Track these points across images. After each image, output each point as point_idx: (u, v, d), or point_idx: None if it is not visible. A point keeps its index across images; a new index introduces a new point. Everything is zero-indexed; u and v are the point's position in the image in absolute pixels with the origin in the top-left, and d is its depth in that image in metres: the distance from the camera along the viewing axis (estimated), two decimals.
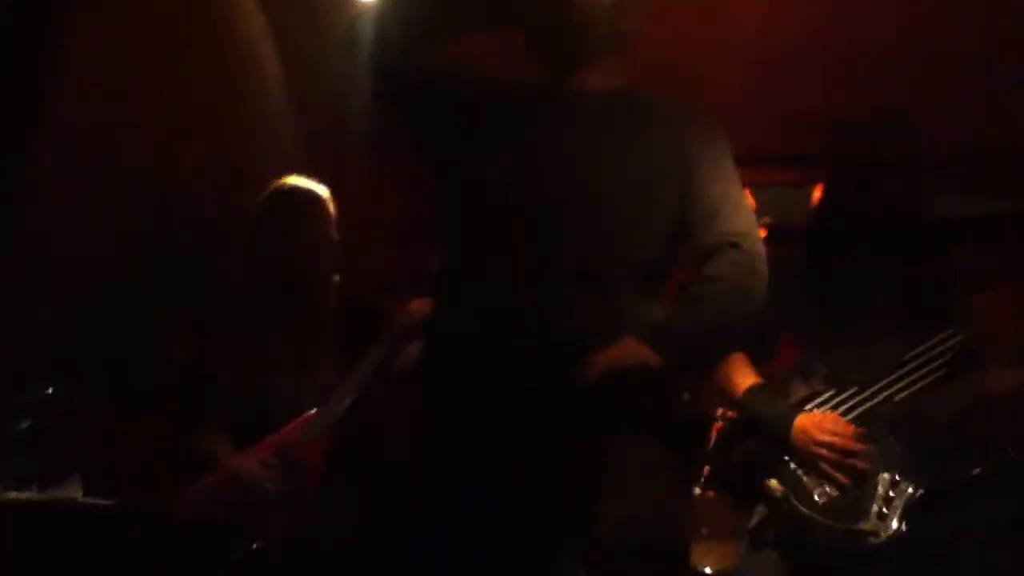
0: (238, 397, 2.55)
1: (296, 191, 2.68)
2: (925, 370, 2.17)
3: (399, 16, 1.87)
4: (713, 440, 2.60)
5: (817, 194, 2.61)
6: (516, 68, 1.95)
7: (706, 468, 2.66)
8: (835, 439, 2.09)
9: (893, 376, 2.17)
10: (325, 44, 3.52)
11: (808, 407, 2.20)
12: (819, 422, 2.12)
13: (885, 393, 2.17)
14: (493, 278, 1.79)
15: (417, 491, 1.94)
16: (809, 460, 2.11)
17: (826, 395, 2.21)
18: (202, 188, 3.06)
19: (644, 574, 1.75)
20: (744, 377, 2.22)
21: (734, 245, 1.79)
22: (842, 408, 2.18)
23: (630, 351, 1.70)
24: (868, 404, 2.17)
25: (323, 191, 2.71)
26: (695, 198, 1.82)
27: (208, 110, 3.08)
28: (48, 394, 2.37)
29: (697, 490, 2.62)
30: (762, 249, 1.81)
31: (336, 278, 2.73)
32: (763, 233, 3.26)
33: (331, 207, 2.70)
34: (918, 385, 2.16)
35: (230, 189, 3.05)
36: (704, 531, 2.53)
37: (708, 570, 2.52)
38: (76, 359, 2.63)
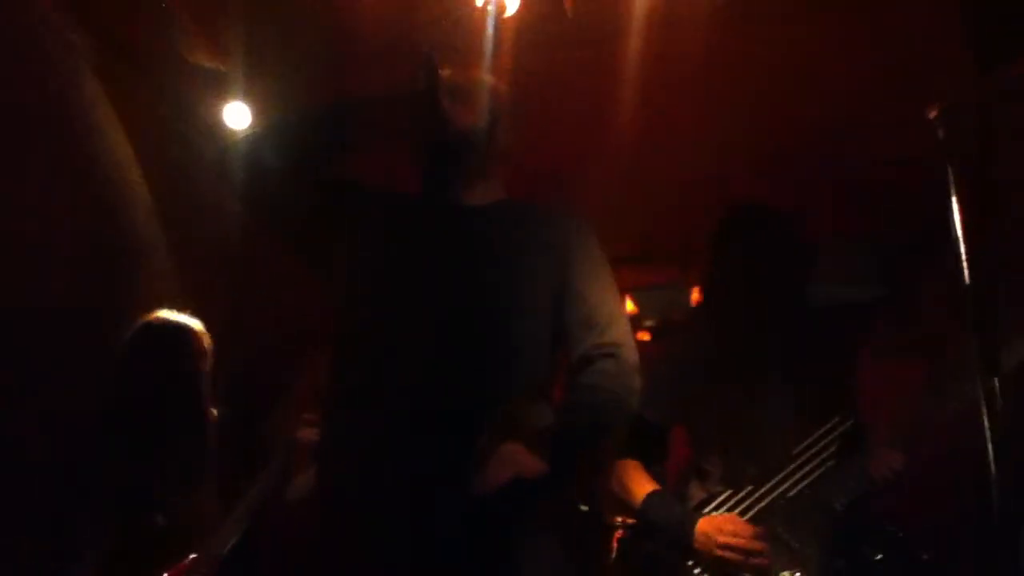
0: (117, 540, 2.42)
1: (163, 326, 2.61)
2: (817, 460, 2.20)
3: (277, 141, 1.88)
4: (615, 548, 2.56)
5: (696, 295, 2.67)
6: (398, 186, 1.98)
7: None
8: (736, 539, 2.09)
9: (787, 470, 2.19)
10: (197, 172, 3.54)
11: (706, 510, 2.20)
12: (719, 525, 2.12)
13: (780, 488, 2.19)
14: (372, 398, 1.76)
15: None
16: (713, 564, 2.10)
17: (722, 496, 2.22)
18: (69, 322, 2.91)
19: None
20: (640, 485, 2.22)
21: (610, 355, 1.80)
22: (739, 508, 2.19)
23: (510, 459, 1.68)
24: (765, 501, 2.18)
25: (194, 324, 2.65)
26: (572, 308, 1.84)
27: (76, 240, 2.97)
28: None
29: None
30: (636, 360, 1.83)
31: (214, 412, 2.65)
32: (647, 336, 3.34)
33: (203, 340, 2.64)
34: (811, 477, 2.18)
35: (96, 324, 2.92)
36: None
37: None
38: None
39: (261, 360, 3.43)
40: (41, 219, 2.83)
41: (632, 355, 1.82)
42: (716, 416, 2.31)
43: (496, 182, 1.97)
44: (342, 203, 1.92)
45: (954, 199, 1.61)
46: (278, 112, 1.97)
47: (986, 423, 1.52)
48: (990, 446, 1.50)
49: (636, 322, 3.54)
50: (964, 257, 1.60)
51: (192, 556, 2.44)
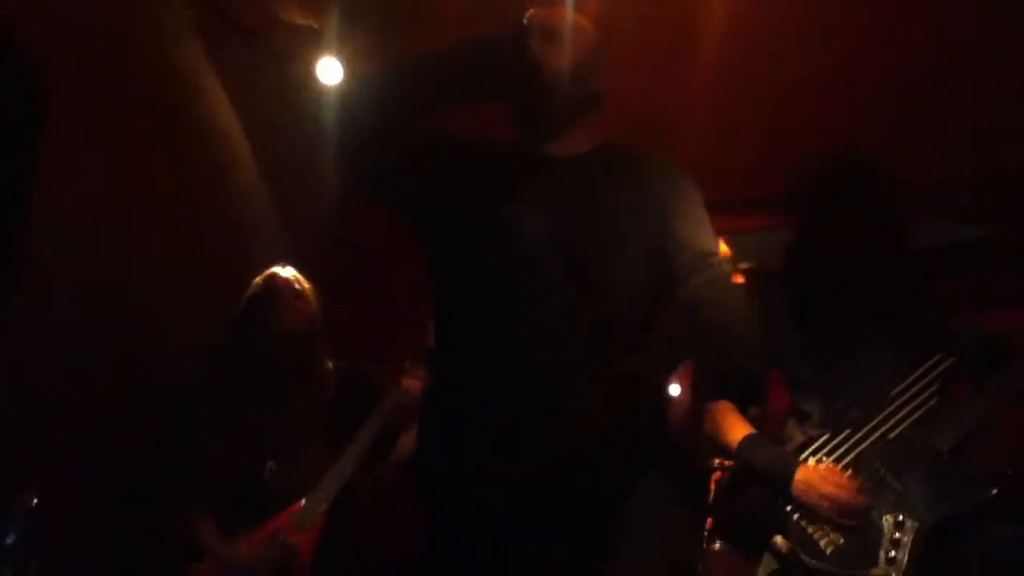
0: (230, 485, 2.56)
1: (278, 281, 2.71)
2: (918, 400, 2.15)
3: (372, 92, 1.88)
4: (713, 491, 2.57)
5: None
6: (494, 137, 1.95)
7: (709, 520, 2.63)
8: (837, 491, 2.05)
9: (887, 411, 2.15)
10: (294, 130, 3.61)
11: (805, 454, 2.18)
12: (822, 475, 2.08)
13: (881, 430, 2.14)
14: (481, 350, 1.77)
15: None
16: (812, 512, 2.08)
17: (820, 440, 2.19)
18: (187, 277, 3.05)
19: None
20: (736, 429, 2.19)
21: (717, 289, 1.83)
22: (839, 451, 2.16)
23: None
24: (865, 443, 2.14)
25: (303, 280, 2.75)
26: (678, 249, 1.83)
27: (182, 205, 3.09)
28: (35, 504, 2.33)
29: (702, 543, 2.59)
30: (741, 298, 1.85)
31: (330, 364, 2.74)
32: (742, 279, 3.29)
33: (313, 294, 2.74)
34: (913, 417, 2.13)
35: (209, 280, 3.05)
36: None
37: None
38: (62, 464, 2.59)
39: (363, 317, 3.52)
40: (148, 182, 2.94)
41: (738, 293, 1.85)
42: (812, 361, 2.28)
43: (592, 127, 1.93)
44: (439, 155, 1.90)
45: None
46: (370, 66, 1.96)
47: None
48: None
49: (731, 265, 3.49)
50: None
51: (301, 502, 2.54)
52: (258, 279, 2.72)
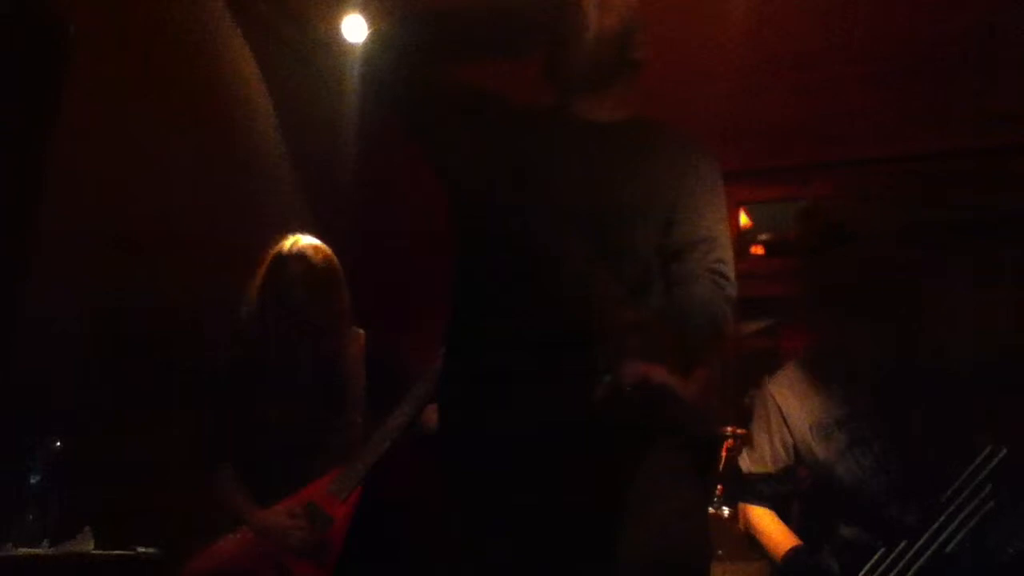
0: (266, 453, 2.53)
1: (298, 249, 2.66)
2: (975, 502, 1.97)
3: (399, 44, 1.85)
4: (724, 459, 2.59)
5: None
6: (527, 93, 1.93)
7: (719, 487, 2.65)
8: None
9: (943, 518, 1.99)
10: (316, 88, 3.60)
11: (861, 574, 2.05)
12: None
13: (939, 539, 1.97)
14: (499, 306, 1.78)
15: (440, 539, 1.91)
16: None
17: (877, 557, 2.04)
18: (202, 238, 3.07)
19: None
20: (783, 538, 2.19)
21: (714, 274, 1.79)
22: (898, 567, 2.02)
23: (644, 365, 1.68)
24: (922, 559, 1.98)
25: (323, 246, 2.70)
26: (682, 227, 1.82)
27: (201, 160, 3.10)
28: (58, 447, 2.37)
29: (711, 509, 2.61)
30: (734, 291, 1.80)
31: (360, 332, 2.73)
32: (760, 250, 3.29)
33: (334, 260, 2.69)
34: (971, 523, 1.96)
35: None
36: (720, 552, 2.51)
37: None
38: (81, 409, 2.63)
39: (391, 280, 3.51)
40: (164, 138, 2.94)
41: (731, 286, 1.80)
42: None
43: (625, 97, 1.92)
44: (469, 108, 1.88)
45: None
46: (395, 19, 1.94)
47: None
48: None
49: (750, 236, 3.50)
50: None
51: (335, 471, 2.53)
52: (277, 246, 2.67)
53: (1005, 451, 1.98)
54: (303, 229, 2.75)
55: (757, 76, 3.29)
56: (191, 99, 3.09)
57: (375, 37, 1.95)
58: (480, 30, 1.88)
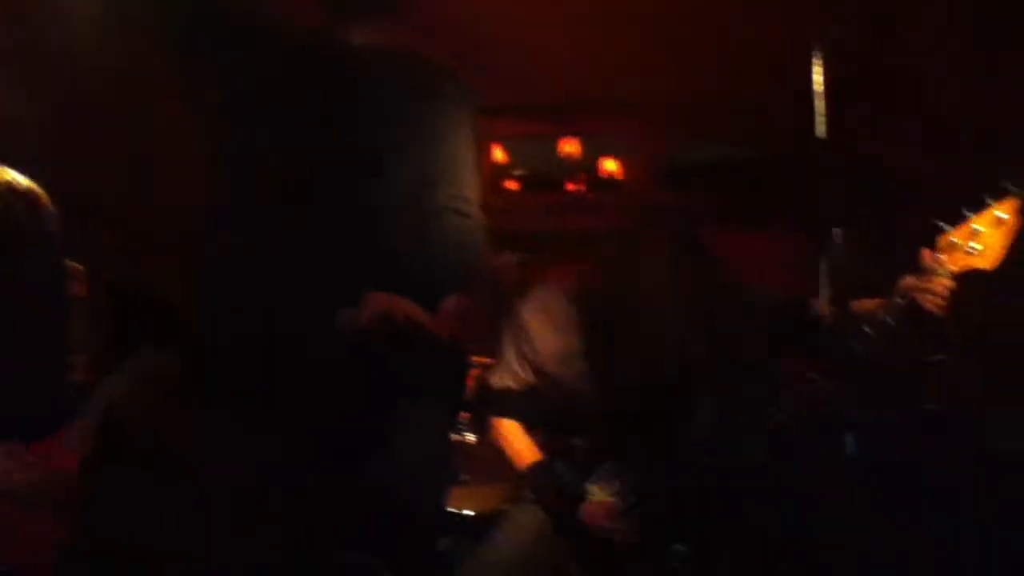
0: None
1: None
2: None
3: None
4: (473, 388, 2.66)
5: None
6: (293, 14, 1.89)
7: (466, 414, 2.73)
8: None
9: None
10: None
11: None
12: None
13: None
14: (249, 256, 1.74)
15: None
16: None
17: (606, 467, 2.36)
18: None
19: (410, 528, 1.79)
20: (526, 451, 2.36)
21: (460, 212, 1.83)
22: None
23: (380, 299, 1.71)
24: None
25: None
26: (427, 161, 1.83)
27: None
28: None
29: (455, 436, 2.69)
30: (482, 219, 1.85)
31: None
32: (516, 185, 3.36)
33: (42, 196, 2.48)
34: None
35: None
36: (466, 477, 2.60)
37: (470, 513, 2.59)
38: None
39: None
40: None
41: (473, 220, 1.84)
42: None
43: (396, 26, 1.91)
44: (227, 23, 1.83)
45: None
46: None
47: None
48: None
49: (506, 171, 3.57)
50: None
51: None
52: None
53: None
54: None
55: (521, 9, 3.31)
56: None
57: None
58: None
